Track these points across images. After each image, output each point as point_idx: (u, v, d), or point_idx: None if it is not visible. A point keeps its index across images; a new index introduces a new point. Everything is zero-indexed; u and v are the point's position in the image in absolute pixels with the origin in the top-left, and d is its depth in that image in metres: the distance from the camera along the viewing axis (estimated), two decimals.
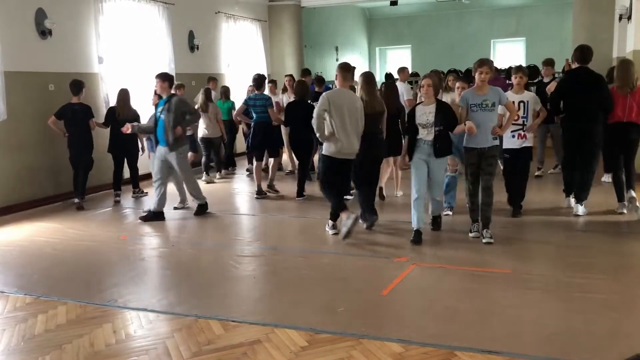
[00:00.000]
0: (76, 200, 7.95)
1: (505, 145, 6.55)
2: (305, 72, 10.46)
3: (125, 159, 8.43)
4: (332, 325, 3.89)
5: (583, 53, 6.38)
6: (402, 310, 4.24)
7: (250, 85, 9.49)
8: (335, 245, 5.88)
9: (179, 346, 3.69)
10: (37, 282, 5.07)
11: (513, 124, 6.20)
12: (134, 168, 8.54)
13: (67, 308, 4.39)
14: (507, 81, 9.53)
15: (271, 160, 8.80)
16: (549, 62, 9.15)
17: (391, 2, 17.92)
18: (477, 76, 5.59)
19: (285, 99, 9.89)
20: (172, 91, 7.33)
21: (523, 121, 6.42)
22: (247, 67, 13.01)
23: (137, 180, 8.67)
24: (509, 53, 20.57)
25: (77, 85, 7.86)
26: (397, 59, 22.81)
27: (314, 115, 5.83)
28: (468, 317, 4.00)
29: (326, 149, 5.96)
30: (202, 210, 7.35)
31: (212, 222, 7.10)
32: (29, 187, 8.02)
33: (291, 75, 10.48)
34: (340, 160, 5.95)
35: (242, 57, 13.12)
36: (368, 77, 6.41)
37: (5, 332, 4.04)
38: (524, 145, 6.50)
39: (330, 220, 6.23)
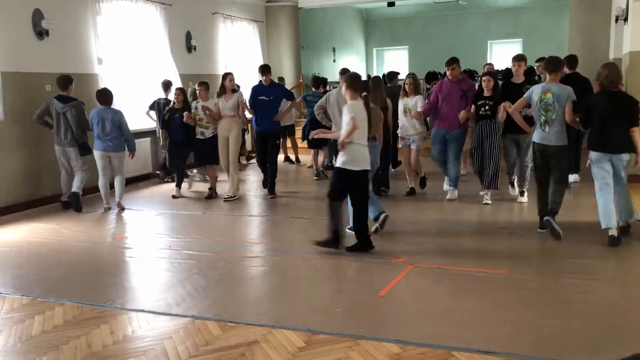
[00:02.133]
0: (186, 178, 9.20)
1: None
2: (265, 68, 9.32)
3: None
4: (329, 326, 3.89)
5: (571, 61, 8.05)
6: (400, 311, 4.24)
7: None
8: None
9: (177, 347, 3.69)
10: (34, 283, 5.06)
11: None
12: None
13: (64, 309, 4.38)
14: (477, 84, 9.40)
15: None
16: (521, 58, 7.44)
17: (388, 3, 17.94)
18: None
19: (222, 103, 8.11)
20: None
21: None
22: (244, 68, 13.00)
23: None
24: (506, 54, 20.60)
25: (167, 84, 9.48)
26: (394, 60, 22.84)
27: (315, 107, 7.28)
28: (465, 318, 4.01)
29: None
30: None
31: (210, 223, 7.10)
32: (25, 187, 8.00)
33: (231, 74, 8.37)
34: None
35: (239, 58, 13.10)
36: (375, 81, 7.70)
37: (2, 333, 4.03)
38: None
39: None
